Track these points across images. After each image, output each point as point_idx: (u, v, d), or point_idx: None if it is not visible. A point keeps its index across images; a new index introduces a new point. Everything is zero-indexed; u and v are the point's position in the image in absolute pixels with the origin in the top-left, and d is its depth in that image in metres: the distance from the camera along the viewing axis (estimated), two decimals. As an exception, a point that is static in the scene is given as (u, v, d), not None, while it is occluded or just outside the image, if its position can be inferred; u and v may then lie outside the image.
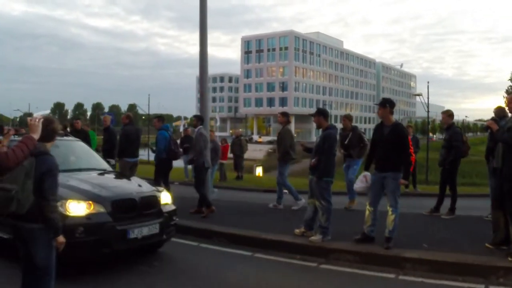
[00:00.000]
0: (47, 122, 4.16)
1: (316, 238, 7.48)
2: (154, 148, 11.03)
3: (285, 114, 11.14)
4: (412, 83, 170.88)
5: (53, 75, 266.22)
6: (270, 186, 16.77)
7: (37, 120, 4.01)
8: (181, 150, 11.58)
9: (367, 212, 7.44)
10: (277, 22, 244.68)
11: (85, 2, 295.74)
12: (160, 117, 11.44)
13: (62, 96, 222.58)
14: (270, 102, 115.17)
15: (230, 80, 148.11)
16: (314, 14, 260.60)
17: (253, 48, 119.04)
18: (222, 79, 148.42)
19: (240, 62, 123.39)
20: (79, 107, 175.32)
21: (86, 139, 11.45)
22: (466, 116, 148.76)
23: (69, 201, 5.93)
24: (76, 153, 8.43)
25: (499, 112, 8.38)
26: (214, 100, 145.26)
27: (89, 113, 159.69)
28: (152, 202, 6.85)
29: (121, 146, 11.22)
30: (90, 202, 6.09)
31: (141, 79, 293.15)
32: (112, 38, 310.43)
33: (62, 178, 6.29)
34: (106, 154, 10.88)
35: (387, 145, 7.21)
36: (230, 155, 21.47)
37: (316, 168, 7.64)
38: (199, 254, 7.55)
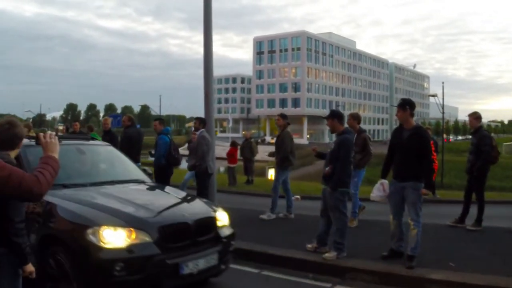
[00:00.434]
0: (8, 125, 3.44)
1: (330, 255, 6.74)
2: (152, 151, 10.38)
3: (284, 116, 10.25)
4: (425, 83, 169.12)
5: (65, 76, 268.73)
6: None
7: (51, 136, 3.32)
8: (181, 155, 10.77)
9: (392, 226, 6.74)
10: (288, 22, 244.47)
11: (97, 3, 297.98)
12: (161, 120, 10.80)
13: (75, 97, 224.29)
14: (283, 103, 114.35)
15: (242, 81, 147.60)
16: (325, 15, 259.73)
17: (265, 49, 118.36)
18: (234, 80, 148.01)
19: (252, 63, 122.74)
20: (91, 108, 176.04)
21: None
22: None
23: (103, 227, 4.67)
24: (107, 160, 7.09)
25: None
26: (226, 101, 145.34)
27: (101, 114, 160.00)
28: (208, 225, 5.56)
29: (122, 150, 10.54)
30: (132, 228, 4.78)
31: (153, 80, 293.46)
32: (124, 39, 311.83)
33: (90, 194, 5.55)
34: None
35: (407, 151, 6.50)
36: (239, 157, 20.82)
37: (330, 178, 6.91)
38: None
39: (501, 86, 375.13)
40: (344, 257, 6.73)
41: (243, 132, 22.94)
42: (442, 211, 11.27)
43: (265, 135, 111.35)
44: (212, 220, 5.66)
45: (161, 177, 9.96)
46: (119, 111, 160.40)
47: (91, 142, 7.23)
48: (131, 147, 10.48)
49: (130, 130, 10.98)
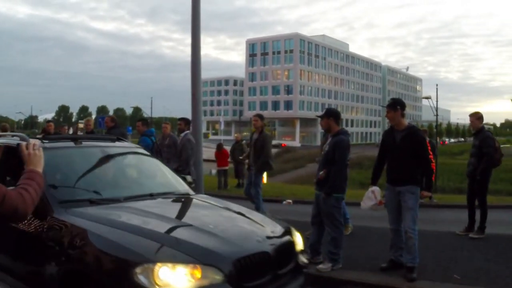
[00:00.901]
0: None
1: (324, 266, 6.20)
2: None
3: (262, 117, 9.66)
4: (418, 86, 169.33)
5: (58, 78, 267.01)
6: (272, 195, 15.55)
7: (35, 147, 2.74)
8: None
9: (391, 234, 6.22)
10: (282, 25, 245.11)
11: (91, 5, 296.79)
12: (144, 121, 10.23)
13: (67, 99, 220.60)
14: (275, 105, 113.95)
15: (235, 83, 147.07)
16: (318, 18, 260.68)
17: (258, 51, 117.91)
18: (227, 82, 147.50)
19: (245, 65, 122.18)
20: (84, 110, 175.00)
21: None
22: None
23: (158, 265, 3.37)
24: (139, 166, 5.76)
25: None
26: (219, 103, 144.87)
27: (93, 116, 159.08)
28: (289, 253, 4.32)
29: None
30: (198, 265, 3.47)
31: (146, 82, 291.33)
32: (117, 41, 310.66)
33: (129, 213, 4.18)
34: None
35: (402, 154, 5.98)
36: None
37: (325, 182, 6.37)
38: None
39: (494, 89, 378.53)
40: (340, 269, 6.20)
41: (235, 135, 22.39)
42: (441, 216, 10.83)
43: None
44: (292, 245, 4.40)
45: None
46: (111, 113, 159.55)
47: (117, 143, 5.75)
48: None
49: (114, 132, 10.42)
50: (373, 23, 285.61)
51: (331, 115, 6.56)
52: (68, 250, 3.73)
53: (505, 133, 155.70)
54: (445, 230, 8.70)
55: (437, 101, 37.67)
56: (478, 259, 6.75)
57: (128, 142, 6.37)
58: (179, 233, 3.90)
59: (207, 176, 18.77)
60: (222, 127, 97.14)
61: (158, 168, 5.82)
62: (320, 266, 6.22)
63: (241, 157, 9.10)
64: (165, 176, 5.64)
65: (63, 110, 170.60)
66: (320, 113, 6.81)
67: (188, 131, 9.04)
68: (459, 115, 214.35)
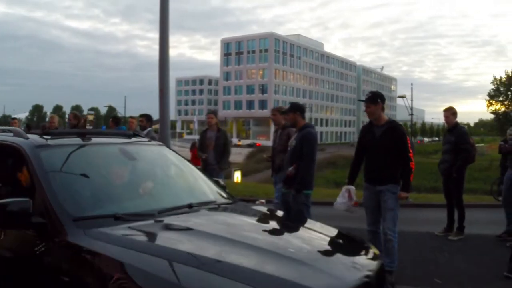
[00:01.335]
0: None
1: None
2: None
3: (216, 114, 9.36)
4: (392, 86, 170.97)
5: (32, 77, 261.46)
6: (246, 195, 15.12)
7: None
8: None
9: (369, 236, 5.77)
10: (257, 25, 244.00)
11: (65, 4, 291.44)
12: (114, 118, 9.74)
13: (41, 98, 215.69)
14: (250, 105, 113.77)
15: (210, 82, 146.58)
16: (294, 18, 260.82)
17: (233, 50, 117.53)
18: (201, 81, 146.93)
19: (220, 64, 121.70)
20: (58, 109, 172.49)
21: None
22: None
23: None
24: (165, 167, 4.47)
25: None
26: (193, 102, 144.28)
27: (67, 116, 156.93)
28: (383, 278, 3.28)
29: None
30: None
31: (121, 82, 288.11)
32: (92, 40, 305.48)
33: (175, 234, 3.05)
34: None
35: (382, 150, 5.63)
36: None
37: (293, 179, 5.98)
38: None
39: (468, 89, 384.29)
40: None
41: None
42: (418, 216, 10.54)
43: (231, 137, 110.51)
44: (383, 267, 3.32)
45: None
46: (85, 112, 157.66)
47: (136, 139, 4.50)
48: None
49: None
50: (348, 23, 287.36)
51: (297, 109, 6.39)
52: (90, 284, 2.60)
53: (479, 132, 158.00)
54: (423, 231, 8.41)
55: (412, 100, 37.87)
56: (458, 261, 6.48)
57: (144, 137, 5.31)
58: (253, 263, 2.59)
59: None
60: (197, 126, 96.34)
61: (187, 169, 4.56)
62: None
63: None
64: (197, 179, 4.44)
65: (37, 110, 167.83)
66: (285, 107, 6.53)
67: (150, 128, 8.58)
68: (434, 114, 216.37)
